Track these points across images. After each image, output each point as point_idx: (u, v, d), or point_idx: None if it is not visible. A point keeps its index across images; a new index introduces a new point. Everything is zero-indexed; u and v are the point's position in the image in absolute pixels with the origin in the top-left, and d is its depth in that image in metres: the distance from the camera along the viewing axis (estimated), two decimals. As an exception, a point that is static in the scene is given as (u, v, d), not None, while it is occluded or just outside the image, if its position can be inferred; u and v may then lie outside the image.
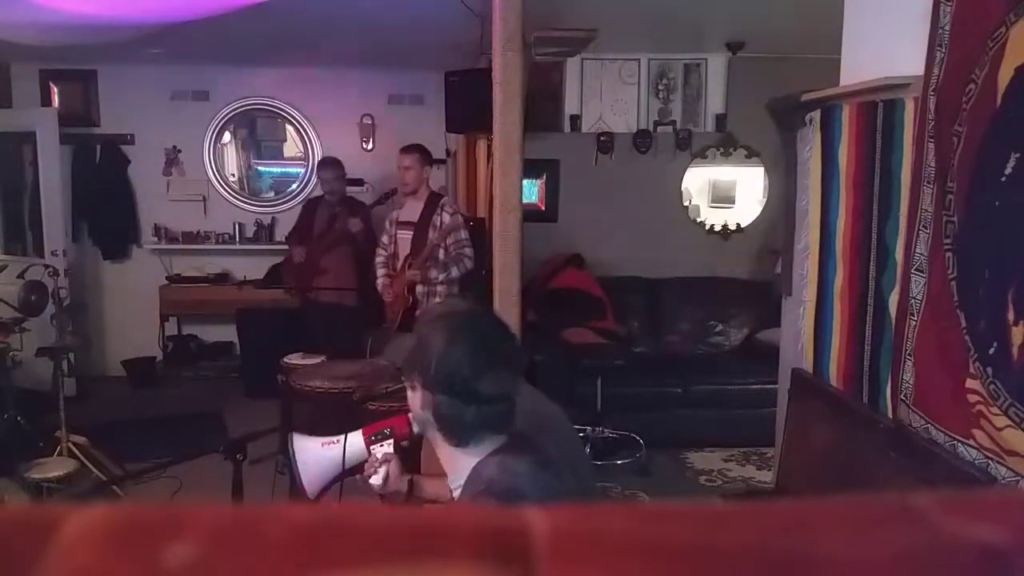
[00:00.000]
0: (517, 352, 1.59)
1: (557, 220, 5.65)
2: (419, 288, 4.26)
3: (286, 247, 5.36)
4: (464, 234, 4.26)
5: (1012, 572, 0.26)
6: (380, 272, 4.51)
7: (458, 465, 1.53)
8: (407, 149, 4.40)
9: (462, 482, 1.51)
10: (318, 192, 5.53)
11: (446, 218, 4.26)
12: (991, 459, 1.83)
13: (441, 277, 4.21)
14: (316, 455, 1.75)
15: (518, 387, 1.55)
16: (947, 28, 2.00)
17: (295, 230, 5.26)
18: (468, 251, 4.24)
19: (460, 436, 1.50)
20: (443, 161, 6.11)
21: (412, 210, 4.40)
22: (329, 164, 5.16)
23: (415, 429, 1.65)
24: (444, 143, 6.00)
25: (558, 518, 0.28)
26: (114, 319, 6.27)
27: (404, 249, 4.37)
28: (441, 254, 4.26)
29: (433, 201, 4.36)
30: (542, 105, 5.36)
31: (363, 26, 4.65)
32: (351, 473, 1.79)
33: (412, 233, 4.34)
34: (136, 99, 6.05)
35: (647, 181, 5.61)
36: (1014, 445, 1.74)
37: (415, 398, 1.54)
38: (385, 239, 4.54)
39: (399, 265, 4.39)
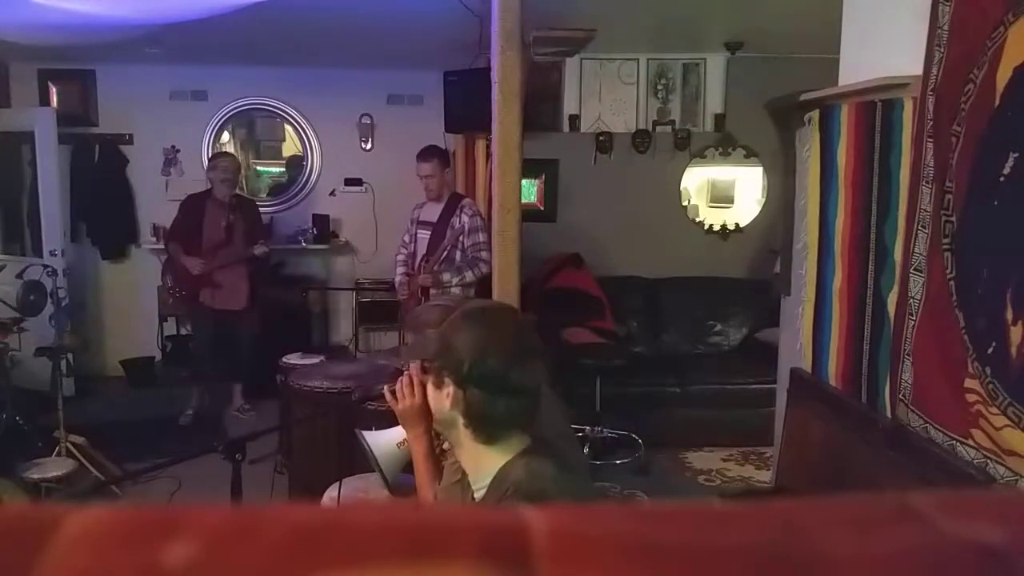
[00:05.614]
0: (541, 346, 1.60)
1: (556, 220, 5.66)
2: (433, 291, 4.18)
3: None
4: (483, 237, 4.14)
5: (1011, 572, 0.26)
6: (399, 271, 4.49)
7: (483, 466, 1.52)
8: (424, 156, 4.28)
9: (486, 483, 1.51)
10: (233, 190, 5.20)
11: (465, 220, 4.19)
12: (990, 459, 1.83)
13: (455, 281, 4.12)
14: (391, 446, 1.87)
15: (545, 379, 1.57)
16: (946, 28, 2.00)
17: (178, 231, 5.04)
18: (485, 255, 4.08)
19: (491, 432, 1.50)
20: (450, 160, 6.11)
21: (432, 210, 4.35)
22: (227, 155, 5.15)
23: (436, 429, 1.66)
24: (443, 143, 6.01)
25: (557, 518, 0.28)
26: (113, 319, 6.27)
27: (422, 249, 4.33)
28: (458, 256, 4.19)
29: (453, 202, 4.30)
30: (541, 105, 5.36)
31: (362, 26, 4.64)
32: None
33: (430, 233, 4.31)
34: (135, 99, 6.04)
35: (646, 181, 5.61)
36: (1013, 445, 1.74)
37: (441, 397, 1.53)
38: (406, 237, 4.51)
39: (417, 264, 4.35)
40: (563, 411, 2.16)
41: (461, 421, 1.51)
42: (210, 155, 5.87)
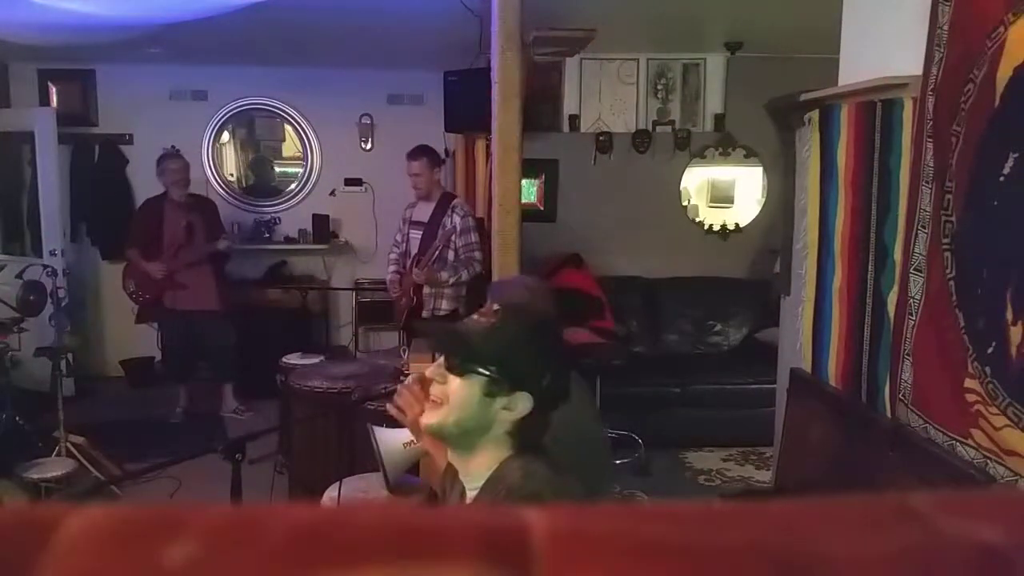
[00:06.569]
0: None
1: (556, 220, 5.65)
2: (426, 289, 4.24)
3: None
4: (474, 236, 4.21)
5: (1011, 572, 0.26)
6: (391, 269, 4.53)
7: (479, 468, 1.49)
8: (414, 155, 4.32)
9: (479, 484, 1.48)
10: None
11: (456, 220, 4.22)
12: (989, 458, 1.83)
13: (452, 280, 4.18)
14: (397, 445, 1.87)
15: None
16: (945, 28, 2.00)
17: (138, 236, 5.03)
18: (478, 254, 4.19)
19: (535, 442, 1.48)
20: (443, 161, 6.11)
21: (424, 210, 4.38)
22: (175, 156, 5.12)
23: (433, 422, 1.49)
24: (443, 143, 6.01)
25: (557, 518, 0.28)
26: (112, 319, 6.26)
27: (414, 248, 4.37)
28: (451, 256, 4.23)
29: (445, 202, 4.33)
30: (541, 105, 5.36)
31: (362, 26, 4.65)
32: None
33: (422, 233, 4.34)
34: (135, 99, 6.04)
35: (646, 181, 5.61)
36: (1012, 444, 1.74)
37: (489, 403, 1.43)
38: (398, 237, 4.55)
39: (408, 263, 4.39)
40: (597, 415, 2.15)
41: (506, 428, 1.44)
42: (158, 158, 5.40)
